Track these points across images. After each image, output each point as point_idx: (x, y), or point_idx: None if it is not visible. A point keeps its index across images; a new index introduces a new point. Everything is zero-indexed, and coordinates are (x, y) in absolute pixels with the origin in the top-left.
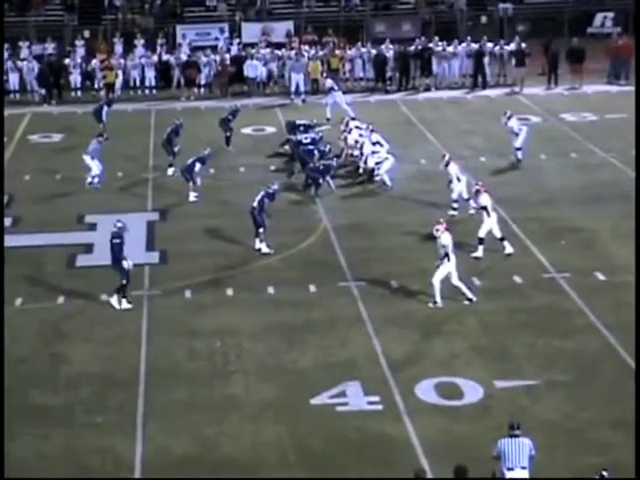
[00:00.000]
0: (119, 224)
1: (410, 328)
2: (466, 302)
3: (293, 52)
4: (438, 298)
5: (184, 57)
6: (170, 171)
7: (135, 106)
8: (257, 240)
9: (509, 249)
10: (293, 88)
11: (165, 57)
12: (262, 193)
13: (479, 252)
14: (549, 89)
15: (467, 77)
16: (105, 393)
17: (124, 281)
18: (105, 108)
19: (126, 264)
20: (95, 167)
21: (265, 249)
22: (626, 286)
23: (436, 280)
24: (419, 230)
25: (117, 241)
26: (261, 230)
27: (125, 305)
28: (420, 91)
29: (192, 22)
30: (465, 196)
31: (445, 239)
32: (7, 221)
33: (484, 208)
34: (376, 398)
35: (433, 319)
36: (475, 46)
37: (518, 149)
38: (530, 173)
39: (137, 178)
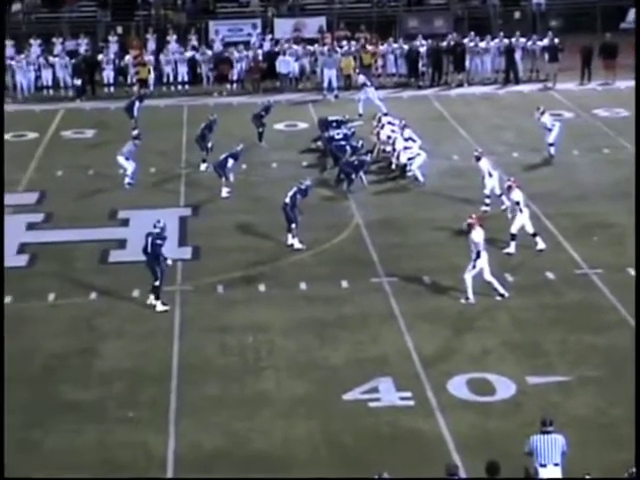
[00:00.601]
0: (160, 224)
1: (442, 324)
2: (498, 298)
3: (326, 48)
4: (470, 294)
5: (209, 53)
6: (203, 167)
7: (168, 102)
8: (289, 236)
9: (541, 245)
10: (325, 84)
11: (190, 54)
12: (294, 189)
13: (511, 248)
14: (582, 85)
15: (500, 73)
16: (137, 388)
17: (157, 282)
18: (137, 103)
19: (164, 265)
20: (129, 167)
21: (297, 245)
22: None
23: (468, 276)
24: (451, 226)
25: (159, 242)
26: (293, 226)
27: (161, 307)
28: (452, 87)
29: (225, 18)
30: (497, 192)
31: (476, 235)
32: (40, 217)
33: (517, 204)
34: (408, 394)
35: (465, 315)
36: (507, 42)
37: (551, 145)
38: (563, 169)
39: (170, 174)
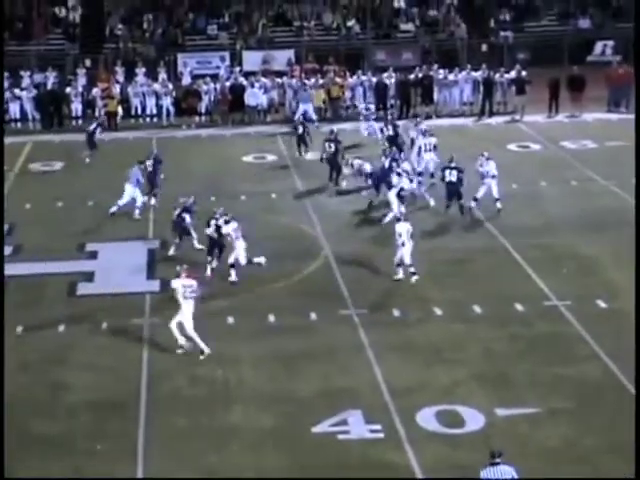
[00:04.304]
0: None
1: (411, 356)
2: (201, 357)
3: (294, 80)
4: (182, 341)
5: (170, 86)
6: (153, 200)
7: (136, 134)
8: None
9: (399, 275)
10: (298, 116)
11: (157, 86)
12: (179, 209)
13: (399, 275)
14: (549, 117)
15: (467, 105)
16: (105, 420)
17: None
18: (97, 130)
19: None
20: (139, 197)
21: (196, 245)
22: (627, 313)
23: (173, 325)
24: (420, 258)
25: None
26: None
27: None
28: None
29: (193, 50)
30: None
31: (176, 283)
32: (8, 250)
33: (399, 235)
34: (377, 426)
35: (434, 346)
36: (475, 74)
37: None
38: (531, 200)
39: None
